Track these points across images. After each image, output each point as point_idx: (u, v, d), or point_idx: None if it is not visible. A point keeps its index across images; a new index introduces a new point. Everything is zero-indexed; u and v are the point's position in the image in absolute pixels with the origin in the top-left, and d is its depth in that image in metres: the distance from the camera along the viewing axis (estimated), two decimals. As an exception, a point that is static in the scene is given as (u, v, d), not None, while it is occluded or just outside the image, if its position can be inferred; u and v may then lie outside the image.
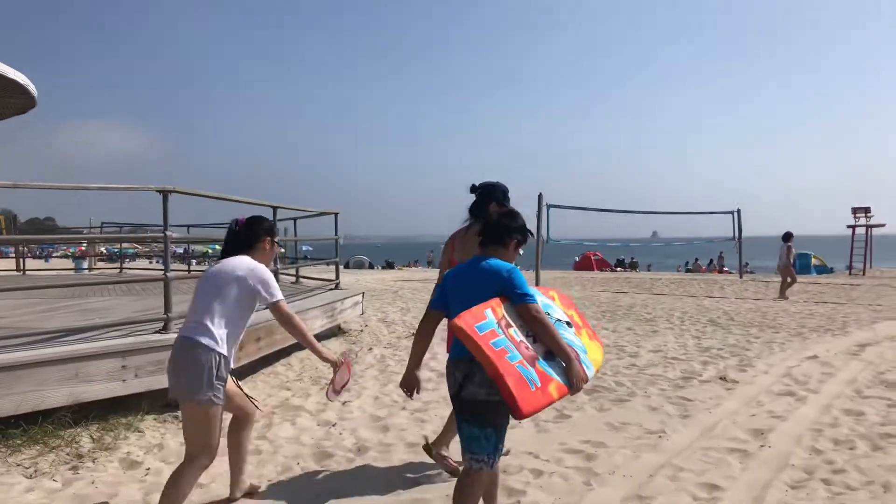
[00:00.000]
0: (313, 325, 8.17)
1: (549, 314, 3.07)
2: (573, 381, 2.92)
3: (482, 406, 2.91)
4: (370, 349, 8.50)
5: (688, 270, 39.44)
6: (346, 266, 48.86)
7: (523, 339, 2.88)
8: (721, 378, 6.79)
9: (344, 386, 3.74)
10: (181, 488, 3.22)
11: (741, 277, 24.48)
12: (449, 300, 3.13)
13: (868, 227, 29.17)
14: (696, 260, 40.43)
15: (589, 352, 3.18)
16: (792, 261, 16.35)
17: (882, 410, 5.58)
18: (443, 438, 4.25)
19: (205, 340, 3.22)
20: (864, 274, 28.31)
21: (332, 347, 8.42)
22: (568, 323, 3.22)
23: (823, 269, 34.58)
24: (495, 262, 3.07)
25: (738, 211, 24.73)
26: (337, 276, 10.50)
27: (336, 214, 10.50)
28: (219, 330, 3.25)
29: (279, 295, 3.42)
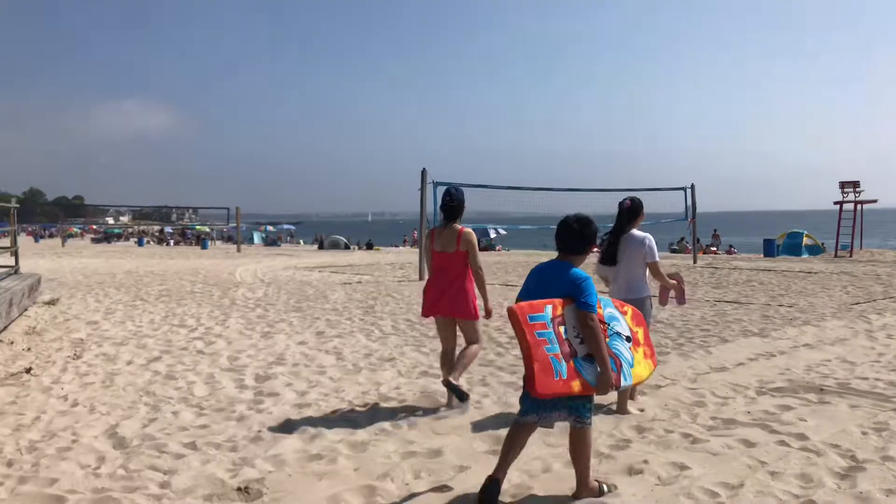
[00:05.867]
0: None
1: (611, 324, 3.61)
2: (601, 384, 3.38)
3: None
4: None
5: (673, 251, 36.16)
6: (321, 247, 46.31)
7: (571, 338, 3.36)
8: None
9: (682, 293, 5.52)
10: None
11: (694, 263, 21.28)
12: (531, 294, 3.53)
13: (857, 202, 25.60)
14: (682, 239, 36.91)
15: (635, 366, 3.63)
16: None
17: None
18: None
19: None
20: (850, 255, 24.89)
21: None
22: (628, 337, 3.67)
23: (816, 249, 30.85)
24: (574, 270, 3.52)
25: (693, 186, 21.46)
26: (15, 262, 7.78)
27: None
28: None
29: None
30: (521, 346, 3.29)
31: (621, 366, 3.52)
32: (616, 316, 3.72)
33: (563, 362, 3.28)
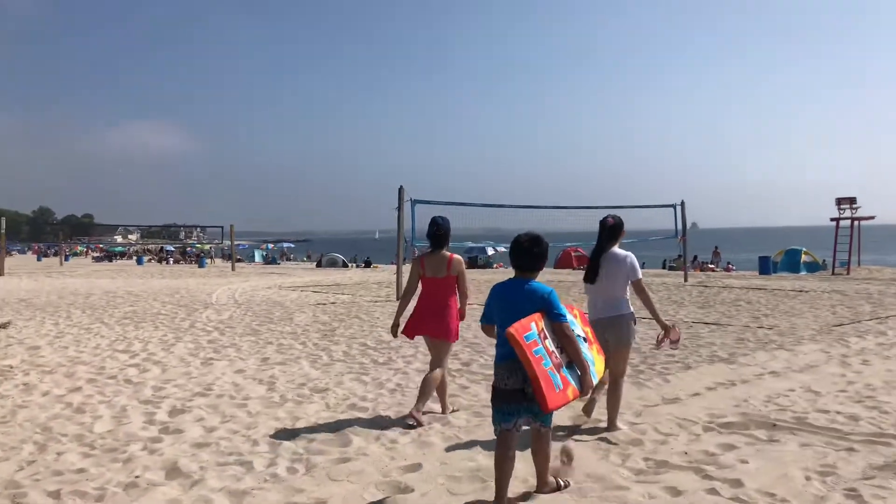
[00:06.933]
0: None
1: (573, 330, 3.70)
2: (584, 387, 3.64)
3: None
4: None
5: (671, 268, 35.68)
6: (319, 265, 45.74)
7: (554, 349, 3.54)
8: None
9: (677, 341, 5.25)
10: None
11: (685, 280, 20.79)
12: (494, 312, 3.80)
13: (853, 219, 25.07)
14: (679, 256, 36.34)
15: (595, 364, 3.85)
16: None
17: None
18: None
19: None
20: (848, 272, 24.34)
21: None
22: (584, 338, 3.87)
23: (815, 266, 30.24)
24: (537, 284, 3.71)
25: (683, 203, 21.00)
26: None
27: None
28: None
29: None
30: (525, 366, 3.37)
31: (589, 367, 3.71)
32: (573, 320, 3.83)
33: (557, 373, 3.46)
